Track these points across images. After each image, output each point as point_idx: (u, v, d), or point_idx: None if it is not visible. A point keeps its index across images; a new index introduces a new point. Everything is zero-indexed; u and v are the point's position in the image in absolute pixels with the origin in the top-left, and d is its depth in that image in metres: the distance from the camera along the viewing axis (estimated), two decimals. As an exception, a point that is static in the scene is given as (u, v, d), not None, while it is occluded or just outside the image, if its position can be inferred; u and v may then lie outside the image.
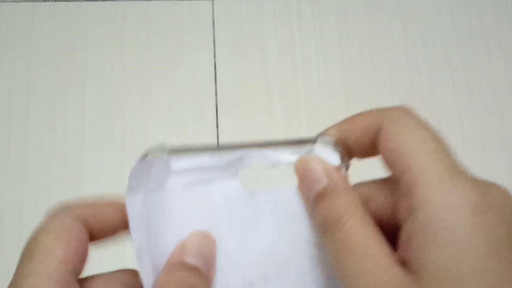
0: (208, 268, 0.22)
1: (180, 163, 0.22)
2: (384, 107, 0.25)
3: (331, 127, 0.25)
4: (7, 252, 0.63)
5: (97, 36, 0.73)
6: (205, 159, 0.23)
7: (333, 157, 0.24)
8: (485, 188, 0.22)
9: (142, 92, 0.71)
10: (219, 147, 0.23)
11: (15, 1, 0.73)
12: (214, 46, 0.74)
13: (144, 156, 0.22)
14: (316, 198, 0.22)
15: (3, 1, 0.73)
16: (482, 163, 0.71)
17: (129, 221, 0.22)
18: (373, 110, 0.25)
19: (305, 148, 0.24)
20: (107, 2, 0.74)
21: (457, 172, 0.21)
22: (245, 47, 0.74)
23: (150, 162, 0.22)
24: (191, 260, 0.22)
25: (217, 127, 0.70)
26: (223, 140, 0.70)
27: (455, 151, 0.24)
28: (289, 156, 0.24)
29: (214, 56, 0.73)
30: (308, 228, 0.23)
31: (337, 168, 0.23)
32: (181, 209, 0.23)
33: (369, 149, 0.25)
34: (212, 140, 0.70)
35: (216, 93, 0.72)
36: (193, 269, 0.22)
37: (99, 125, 0.69)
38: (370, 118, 0.24)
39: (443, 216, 0.20)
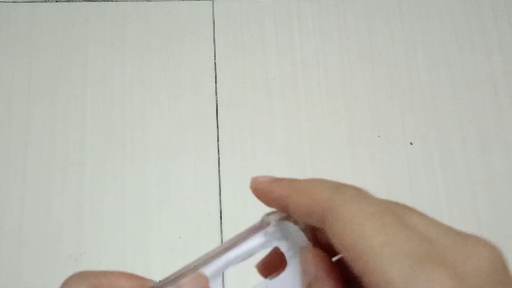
0: None
1: None
2: (333, 184, 0.21)
3: (273, 212, 0.23)
4: (7, 252, 0.63)
5: (98, 36, 0.73)
6: None
7: (298, 236, 0.22)
8: (463, 267, 0.17)
9: (142, 92, 0.71)
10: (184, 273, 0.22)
11: (16, 2, 0.73)
12: (214, 46, 0.74)
13: None
14: None
15: (4, 2, 0.73)
16: (482, 163, 0.72)
17: None
18: (320, 186, 0.21)
19: (263, 234, 0.23)
20: (107, 2, 0.74)
21: (421, 259, 0.17)
22: (245, 47, 0.74)
23: None
24: None
25: (217, 127, 0.70)
26: (223, 140, 0.70)
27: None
28: (256, 243, 0.23)
29: (214, 56, 0.73)
30: None
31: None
32: None
33: (313, 230, 0.23)
34: (212, 140, 0.70)
35: (216, 93, 0.72)
36: None
37: (100, 125, 0.69)
38: (317, 201, 0.21)
39: None
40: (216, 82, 0.72)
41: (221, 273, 0.22)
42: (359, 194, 0.20)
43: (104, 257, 0.64)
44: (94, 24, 0.73)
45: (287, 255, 0.22)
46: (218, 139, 0.70)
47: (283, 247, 0.22)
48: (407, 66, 0.75)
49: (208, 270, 0.22)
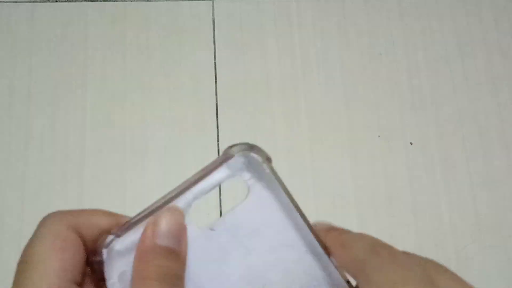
0: (180, 245, 0.22)
1: (123, 243, 0.22)
2: (370, 244, 0.22)
3: None
4: (7, 252, 0.63)
5: (98, 36, 0.73)
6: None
7: (260, 165, 0.24)
8: None
9: (142, 92, 0.71)
10: (151, 210, 0.23)
11: (16, 1, 0.73)
12: (214, 46, 0.74)
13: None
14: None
15: (4, 1, 0.73)
16: (482, 163, 0.72)
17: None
18: (359, 245, 0.23)
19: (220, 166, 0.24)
20: (107, 2, 0.74)
21: None
22: (245, 47, 0.74)
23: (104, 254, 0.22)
24: (164, 242, 0.22)
25: (217, 127, 0.70)
26: (223, 140, 0.70)
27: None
28: (219, 176, 0.24)
29: (214, 56, 0.73)
30: (276, 235, 0.24)
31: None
32: None
33: None
34: (212, 140, 0.70)
35: (216, 93, 0.72)
36: (168, 252, 0.22)
37: (100, 125, 0.69)
38: (353, 261, 0.23)
39: None
40: (216, 82, 0.72)
41: (190, 205, 0.23)
42: (394, 257, 0.21)
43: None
44: (94, 24, 0.73)
45: (249, 183, 0.24)
46: (218, 139, 0.70)
47: (246, 177, 0.24)
48: (407, 66, 0.75)
49: (180, 203, 0.23)
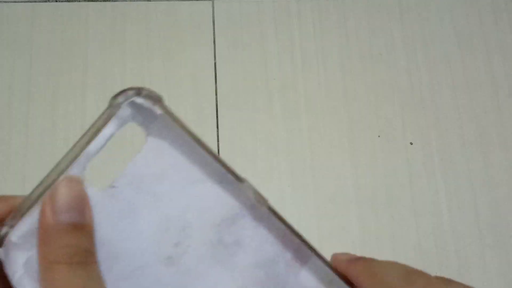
0: (84, 217, 0.20)
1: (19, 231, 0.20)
2: (404, 272, 0.22)
3: None
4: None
5: (98, 36, 0.73)
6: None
7: (150, 108, 0.22)
8: None
9: (142, 92, 0.71)
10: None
11: (16, 2, 0.73)
12: (214, 46, 0.74)
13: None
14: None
15: (4, 1, 0.73)
16: (482, 163, 0.71)
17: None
18: (392, 273, 0.22)
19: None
20: (107, 2, 0.74)
21: None
22: (245, 47, 0.74)
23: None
24: (66, 217, 0.19)
25: (217, 127, 0.70)
26: (223, 140, 0.70)
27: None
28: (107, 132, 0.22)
29: (214, 56, 0.73)
30: (183, 175, 0.23)
31: None
32: None
33: None
34: (213, 140, 0.70)
35: (216, 93, 0.72)
36: (73, 227, 0.19)
37: (99, 125, 0.69)
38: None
39: None
40: (216, 82, 0.72)
41: (85, 168, 0.22)
42: (429, 285, 0.21)
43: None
44: (94, 24, 0.73)
45: (144, 129, 0.22)
46: (218, 139, 0.70)
47: (139, 123, 0.22)
48: (407, 66, 0.75)
49: (74, 170, 0.21)
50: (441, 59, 0.75)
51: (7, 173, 0.66)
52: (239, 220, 0.23)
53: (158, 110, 0.22)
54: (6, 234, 0.19)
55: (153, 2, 0.75)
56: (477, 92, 0.74)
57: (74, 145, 0.21)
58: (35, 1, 0.74)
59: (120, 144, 0.61)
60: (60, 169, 0.21)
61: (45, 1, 0.74)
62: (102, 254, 0.20)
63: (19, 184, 0.66)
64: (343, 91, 0.73)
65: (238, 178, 0.22)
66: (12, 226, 0.20)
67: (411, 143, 0.72)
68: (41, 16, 0.73)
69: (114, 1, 0.75)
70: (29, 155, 0.67)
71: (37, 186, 0.21)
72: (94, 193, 0.21)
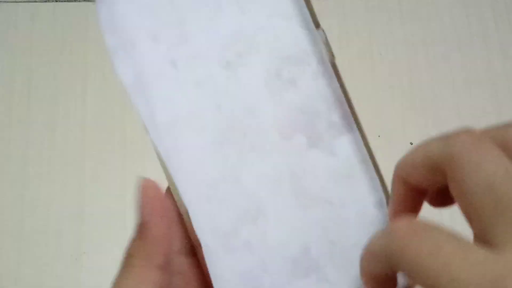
0: (147, 216, 0.22)
1: None
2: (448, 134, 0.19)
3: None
4: (7, 252, 0.63)
5: (98, 36, 0.73)
6: None
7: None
8: None
9: (142, 92, 0.71)
10: None
11: (16, 1, 0.73)
12: (214, 46, 0.74)
13: None
14: None
15: (4, 1, 0.73)
16: (482, 163, 0.71)
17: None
18: (435, 140, 0.20)
19: None
20: (107, 2, 0.74)
21: None
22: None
23: None
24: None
25: (217, 127, 0.70)
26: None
27: None
28: None
29: (214, 56, 0.73)
30: (273, 4, 0.24)
31: None
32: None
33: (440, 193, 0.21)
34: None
35: (216, 93, 0.72)
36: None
37: (100, 125, 0.69)
38: (430, 153, 0.19)
39: None
40: (216, 82, 0.72)
41: None
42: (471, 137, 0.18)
43: (105, 257, 0.64)
44: (94, 24, 0.73)
45: None
46: (218, 139, 0.70)
47: None
48: (407, 66, 0.75)
49: None
50: (441, 59, 0.75)
51: (7, 173, 0.66)
52: (304, 63, 0.24)
53: None
54: None
55: (153, 2, 0.75)
56: (477, 92, 0.74)
57: None
58: (35, 1, 0.74)
59: None
60: None
61: (45, 1, 0.74)
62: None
63: (19, 184, 0.66)
64: (343, 91, 0.73)
65: (317, 23, 0.25)
66: None
67: (411, 143, 0.72)
68: (42, 16, 0.73)
69: (114, 1, 0.75)
70: (29, 155, 0.67)
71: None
72: None
